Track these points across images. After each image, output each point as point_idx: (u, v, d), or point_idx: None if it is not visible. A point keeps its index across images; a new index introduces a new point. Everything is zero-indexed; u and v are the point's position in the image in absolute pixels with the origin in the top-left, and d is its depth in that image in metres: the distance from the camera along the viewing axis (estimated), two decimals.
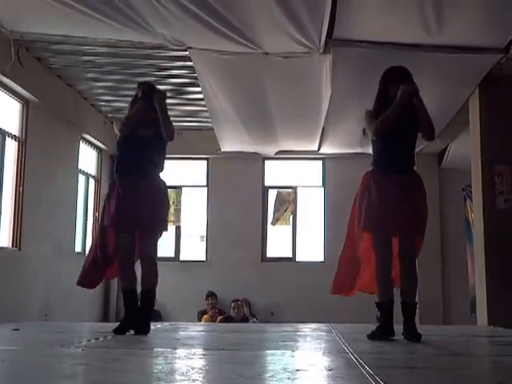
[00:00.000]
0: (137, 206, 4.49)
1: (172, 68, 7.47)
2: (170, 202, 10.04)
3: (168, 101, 4.83)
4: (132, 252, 4.62)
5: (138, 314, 4.54)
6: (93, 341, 4.18)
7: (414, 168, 4.45)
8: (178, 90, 8.28)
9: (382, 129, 4.33)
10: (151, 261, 4.59)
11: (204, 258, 10.48)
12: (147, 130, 4.64)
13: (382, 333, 4.24)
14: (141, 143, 4.60)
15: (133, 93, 8.24)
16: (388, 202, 4.24)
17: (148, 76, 7.64)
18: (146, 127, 4.65)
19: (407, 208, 4.21)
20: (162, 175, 4.75)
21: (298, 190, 10.61)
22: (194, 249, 10.70)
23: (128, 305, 4.62)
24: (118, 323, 4.64)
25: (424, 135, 4.43)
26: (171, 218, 9.97)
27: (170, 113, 4.79)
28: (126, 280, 4.64)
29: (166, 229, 4.71)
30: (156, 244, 4.66)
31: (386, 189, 4.27)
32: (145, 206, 4.50)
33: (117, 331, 4.47)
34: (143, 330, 4.47)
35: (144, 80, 5.08)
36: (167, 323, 5.81)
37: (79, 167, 9.04)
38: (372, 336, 4.27)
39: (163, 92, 4.81)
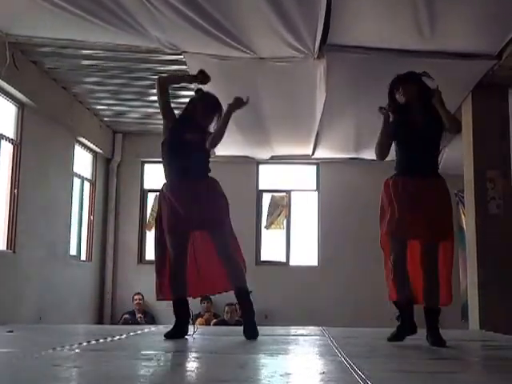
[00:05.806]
0: (194, 207, 4.41)
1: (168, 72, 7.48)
2: None
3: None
4: (185, 258, 4.52)
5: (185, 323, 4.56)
6: (87, 343, 4.19)
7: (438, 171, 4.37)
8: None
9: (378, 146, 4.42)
10: (232, 260, 4.60)
11: None
12: (195, 134, 4.57)
13: (403, 331, 4.28)
14: (190, 147, 4.52)
15: (130, 96, 8.39)
16: (404, 206, 4.20)
17: (145, 80, 7.67)
18: (194, 132, 4.58)
19: (425, 210, 4.16)
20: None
21: (292, 194, 10.63)
22: None
23: (176, 316, 4.56)
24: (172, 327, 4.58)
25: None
26: None
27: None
28: (175, 289, 4.53)
29: (224, 228, 4.56)
30: (228, 242, 4.53)
31: (402, 192, 4.23)
32: (204, 205, 4.43)
33: (167, 336, 4.46)
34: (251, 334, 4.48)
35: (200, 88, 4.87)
36: (161, 326, 5.82)
37: (74, 170, 9.04)
38: (391, 338, 4.31)
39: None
